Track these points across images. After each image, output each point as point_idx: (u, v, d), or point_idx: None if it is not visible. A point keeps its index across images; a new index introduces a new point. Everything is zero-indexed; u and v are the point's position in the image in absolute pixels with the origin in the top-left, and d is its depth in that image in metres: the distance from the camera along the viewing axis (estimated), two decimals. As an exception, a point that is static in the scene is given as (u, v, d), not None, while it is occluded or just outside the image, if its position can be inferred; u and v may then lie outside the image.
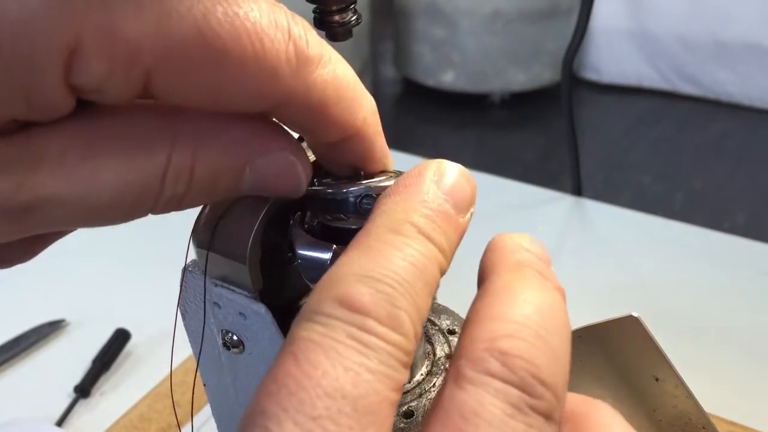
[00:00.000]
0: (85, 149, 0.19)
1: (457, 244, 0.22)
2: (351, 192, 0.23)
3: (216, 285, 0.26)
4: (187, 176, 0.20)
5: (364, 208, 0.23)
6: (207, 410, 0.33)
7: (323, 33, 0.26)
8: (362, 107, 0.22)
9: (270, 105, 0.20)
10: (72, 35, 0.16)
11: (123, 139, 0.19)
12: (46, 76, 0.17)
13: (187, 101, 0.19)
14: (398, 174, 0.24)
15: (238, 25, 0.18)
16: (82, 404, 0.54)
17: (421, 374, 0.28)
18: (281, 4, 0.20)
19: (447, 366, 0.29)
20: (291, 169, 0.22)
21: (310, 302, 0.18)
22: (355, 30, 0.26)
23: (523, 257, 0.21)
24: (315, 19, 0.26)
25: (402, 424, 0.26)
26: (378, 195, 0.22)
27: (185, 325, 0.29)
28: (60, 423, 0.52)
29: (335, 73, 0.21)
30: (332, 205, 0.23)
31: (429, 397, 0.27)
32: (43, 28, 0.16)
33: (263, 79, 0.19)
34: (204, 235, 0.25)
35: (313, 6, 0.26)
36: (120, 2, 0.17)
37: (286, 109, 0.20)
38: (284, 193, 0.23)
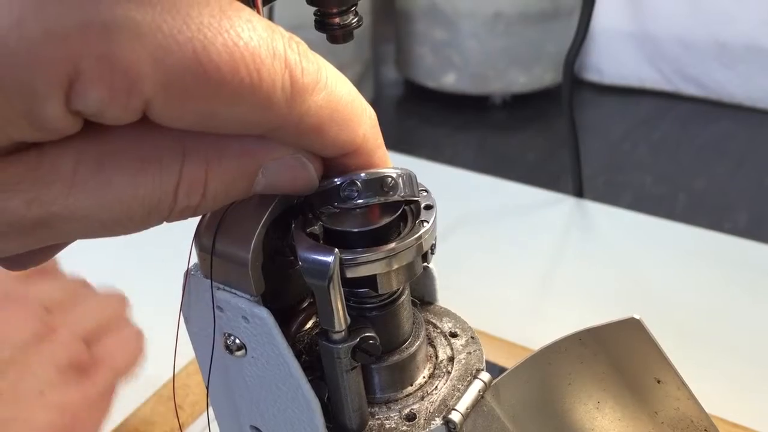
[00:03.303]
0: (96, 165, 0.19)
1: None
2: (335, 182, 0.23)
3: (218, 288, 0.26)
4: (201, 188, 0.20)
5: (346, 196, 0.23)
6: (209, 413, 0.34)
7: (324, 35, 0.26)
8: (361, 124, 0.22)
9: (264, 130, 0.20)
10: (71, 64, 0.16)
11: (133, 155, 0.19)
12: (47, 103, 0.17)
13: (180, 126, 0.19)
14: (400, 171, 0.24)
15: (237, 57, 0.18)
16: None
17: (423, 377, 0.28)
18: (278, 26, 0.20)
19: (449, 369, 0.29)
20: (303, 170, 0.22)
21: None
22: (356, 32, 0.26)
23: None
24: (316, 21, 0.26)
25: (404, 427, 0.26)
26: (360, 183, 0.23)
27: (188, 329, 0.29)
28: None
29: (331, 97, 0.21)
30: (320, 197, 0.23)
31: (431, 399, 0.27)
32: (42, 57, 0.16)
33: (257, 108, 0.19)
34: (206, 239, 0.25)
35: (314, 9, 0.26)
36: (119, 32, 0.17)
37: (281, 133, 0.20)
38: (297, 192, 0.23)
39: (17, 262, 0.22)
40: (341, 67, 0.22)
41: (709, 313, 0.63)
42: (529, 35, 2.61)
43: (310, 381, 0.25)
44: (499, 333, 0.58)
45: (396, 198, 0.24)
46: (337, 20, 0.25)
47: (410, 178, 0.24)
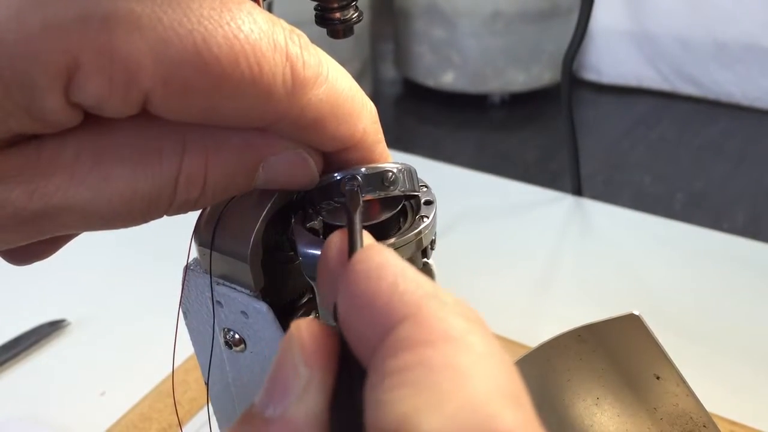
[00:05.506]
0: (96, 158, 0.19)
1: None
2: (335, 177, 0.23)
3: (218, 283, 0.26)
4: (201, 181, 0.20)
5: (345, 189, 0.23)
6: (207, 409, 0.34)
7: (324, 30, 0.26)
8: (361, 119, 0.22)
9: (264, 124, 0.20)
10: (71, 56, 0.16)
11: (133, 147, 0.19)
12: (46, 95, 0.17)
13: (181, 119, 0.19)
14: (401, 166, 0.24)
15: (238, 50, 0.18)
16: (82, 403, 0.54)
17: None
18: (279, 19, 0.20)
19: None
20: (304, 165, 0.22)
21: None
22: (355, 30, 0.26)
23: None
24: (316, 16, 0.26)
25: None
26: (361, 178, 0.23)
27: (186, 324, 0.29)
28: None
29: (331, 91, 0.21)
30: (320, 192, 0.23)
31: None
32: (41, 49, 0.16)
33: (258, 101, 0.19)
34: (206, 234, 0.25)
35: (314, 4, 0.26)
36: (119, 24, 0.16)
37: (282, 126, 0.20)
38: (297, 187, 0.23)
39: (19, 255, 0.22)
40: (340, 65, 0.22)
41: (707, 311, 0.63)
42: (527, 34, 2.61)
43: (309, 376, 0.25)
44: (497, 330, 0.58)
45: (396, 193, 0.24)
46: (337, 15, 0.25)
47: (410, 173, 0.24)
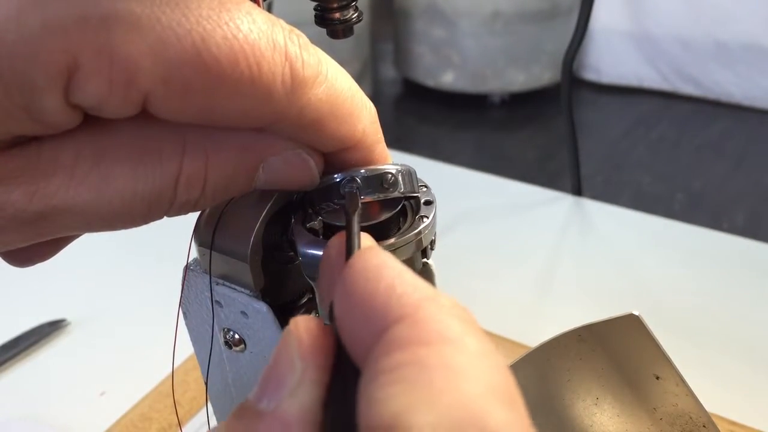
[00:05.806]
0: (96, 159, 0.19)
1: None
2: (335, 178, 0.23)
3: (217, 283, 0.26)
4: (201, 182, 0.20)
5: (344, 191, 0.23)
6: (206, 409, 0.34)
7: (324, 30, 0.26)
8: (360, 119, 0.22)
9: (263, 124, 0.20)
10: (70, 57, 0.16)
11: (133, 148, 0.19)
12: (45, 96, 0.17)
13: (180, 119, 0.19)
14: (400, 168, 0.24)
15: (237, 49, 0.18)
16: (82, 403, 0.54)
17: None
18: (278, 19, 0.20)
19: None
20: (304, 165, 0.22)
21: None
22: (355, 30, 0.26)
23: None
24: (316, 16, 0.26)
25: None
26: (360, 180, 0.23)
27: (186, 324, 0.29)
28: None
29: (331, 91, 0.21)
30: (319, 193, 0.23)
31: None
32: (41, 50, 0.16)
33: (257, 101, 0.19)
34: (206, 234, 0.25)
35: (314, 4, 0.26)
36: (118, 24, 0.16)
37: (282, 126, 0.20)
38: (298, 187, 0.23)
39: (20, 257, 0.22)
40: (339, 65, 0.22)
41: (707, 311, 0.63)
42: (527, 34, 2.61)
43: (309, 376, 0.25)
44: (497, 330, 0.58)
45: (396, 195, 0.24)
46: (337, 15, 0.25)
47: (410, 174, 0.24)
